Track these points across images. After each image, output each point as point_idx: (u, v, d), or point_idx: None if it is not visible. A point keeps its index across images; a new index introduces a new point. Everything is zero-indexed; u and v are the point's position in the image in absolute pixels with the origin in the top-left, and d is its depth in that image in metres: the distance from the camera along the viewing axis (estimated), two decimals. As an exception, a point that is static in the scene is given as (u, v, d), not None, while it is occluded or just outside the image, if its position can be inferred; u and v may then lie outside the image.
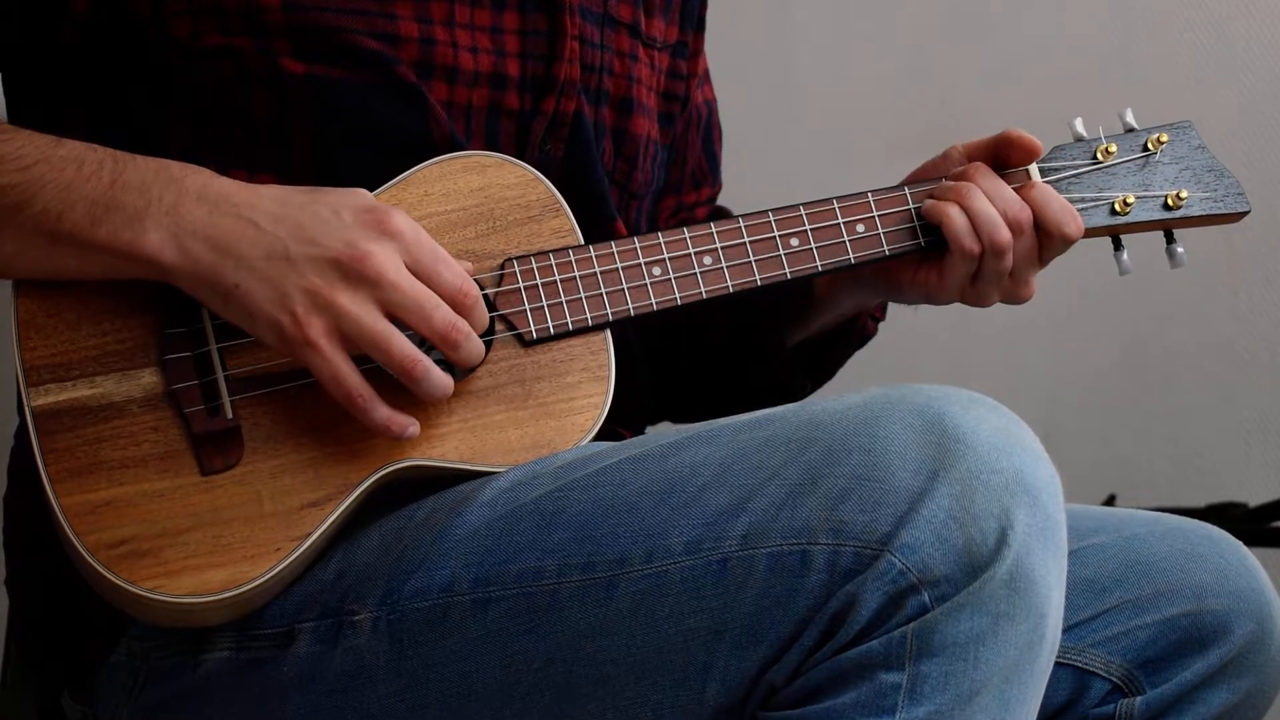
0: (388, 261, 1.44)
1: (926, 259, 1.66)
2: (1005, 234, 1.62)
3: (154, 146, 1.52)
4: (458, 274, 1.47)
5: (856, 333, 1.84)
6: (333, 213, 1.45)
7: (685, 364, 1.85)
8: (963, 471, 1.34)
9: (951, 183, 1.64)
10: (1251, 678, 1.62)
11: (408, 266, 1.46)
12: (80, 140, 1.49)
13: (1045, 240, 1.64)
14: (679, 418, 1.92)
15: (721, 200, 1.94)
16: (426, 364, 1.46)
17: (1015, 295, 1.67)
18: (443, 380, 1.47)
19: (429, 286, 1.46)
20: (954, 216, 1.62)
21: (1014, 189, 1.64)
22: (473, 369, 1.53)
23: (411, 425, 1.48)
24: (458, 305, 1.47)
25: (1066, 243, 1.65)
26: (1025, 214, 1.63)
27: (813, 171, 2.70)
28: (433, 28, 1.59)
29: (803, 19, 2.84)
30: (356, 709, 1.48)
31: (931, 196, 1.65)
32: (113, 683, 1.54)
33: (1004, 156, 1.67)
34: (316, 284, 1.44)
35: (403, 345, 1.45)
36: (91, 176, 1.46)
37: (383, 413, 1.47)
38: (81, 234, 1.45)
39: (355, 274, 1.44)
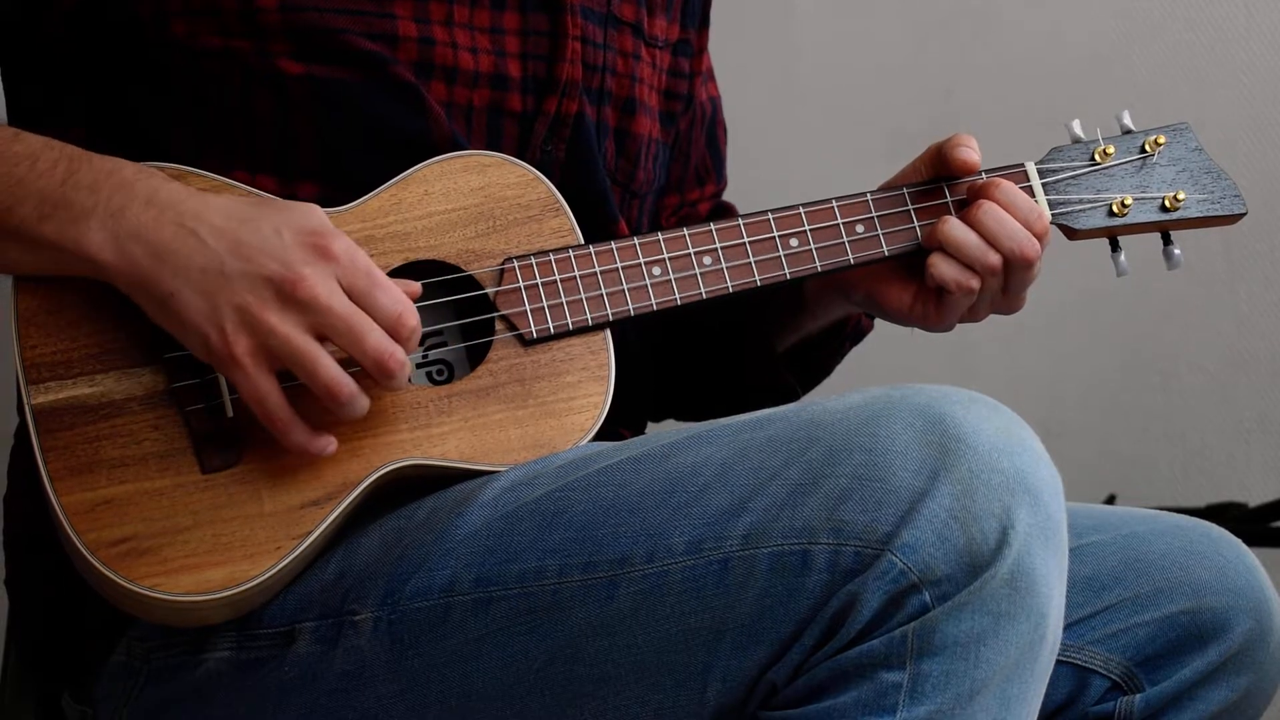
0: (320, 285, 1.43)
1: (922, 290, 1.66)
2: (995, 257, 1.62)
3: (154, 145, 1.53)
4: (396, 300, 1.46)
5: (851, 329, 1.84)
6: (274, 231, 1.45)
7: (681, 363, 1.85)
8: (964, 471, 1.35)
9: (943, 225, 1.63)
10: (1250, 675, 1.62)
11: (344, 291, 1.45)
12: (78, 141, 1.49)
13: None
14: (681, 415, 1.92)
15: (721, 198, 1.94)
16: (351, 388, 1.44)
17: (1009, 309, 1.68)
18: (365, 404, 1.46)
19: (365, 312, 1.45)
20: (946, 271, 1.62)
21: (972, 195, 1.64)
22: (473, 367, 1.53)
23: (330, 445, 1.47)
24: (394, 333, 1.45)
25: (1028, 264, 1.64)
26: (1040, 221, 1.63)
27: (813, 171, 2.70)
28: (431, 27, 1.59)
29: (803, 18, 2.84)
30: (357, 709, 1.48)
31: (928, 243, 1.64)
32: (113, 683, 1.54)
33: (943, 168, 1.65)
34: (248, 301, 1.43)
35: (328, 367, 1.44)
36: (45, 173, 1.46)
37: (300, 436, 1.45)
38: (29, 229, 1.46)
39: (287, 295, 1.43)
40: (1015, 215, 1.62)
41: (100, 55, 1.56)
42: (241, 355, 1.43)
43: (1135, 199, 1.69)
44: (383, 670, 1.47)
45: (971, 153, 1.64)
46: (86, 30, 1.56)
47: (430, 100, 1.58)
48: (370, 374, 1.45)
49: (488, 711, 1.45)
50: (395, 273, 1.53)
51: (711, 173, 1.90)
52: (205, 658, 1.51)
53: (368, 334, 1.44)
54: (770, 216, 1.63)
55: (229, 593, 1.45)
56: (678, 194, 1.87)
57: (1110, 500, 2.72)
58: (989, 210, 1.62)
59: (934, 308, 1.67)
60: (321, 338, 1.44)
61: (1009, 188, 1.63)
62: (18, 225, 1.46)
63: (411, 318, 1.46)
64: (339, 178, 1.55)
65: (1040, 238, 1.63)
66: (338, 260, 1.44)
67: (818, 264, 1.63)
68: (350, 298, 1.45)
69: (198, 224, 1.45)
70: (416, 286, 1.50)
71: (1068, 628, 1.59)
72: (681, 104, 1.81)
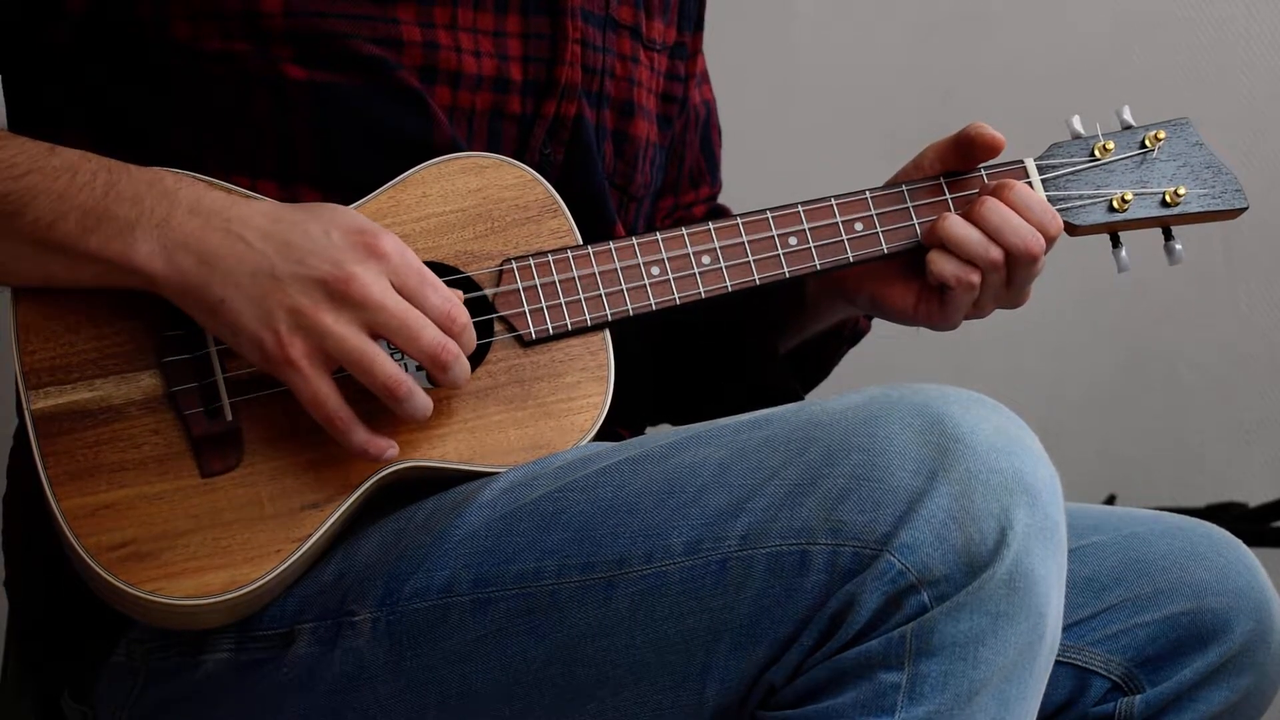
0: (373, 284, 1.44)
1: (925, 290, 1.67)
2: (997, 252, 1.62)
3: (154, 149, 1.53)
4: (446, 298, 1.47)
5: (849, 330, 1.84)
6: (323, 232, 1.45)
7: (681, 364, 1.85)
8: (962, 471, 1.34)
9: (943, 221, 1.63)
10: (1251, 676, 1.62)
11: (395, 289, 1.45)
12: (79, 144, 1.49)
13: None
14: (677, 419, 1.92)
15: (720, 199, 1.94)
16: (410, 385, 1.45)
17: (1013, 303, 1.68)
18: (425, 402, 1.47)
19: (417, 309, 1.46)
20: (946, 266, 1.62)
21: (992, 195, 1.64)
22: (472, 369, 1.53)
23: (390, 448, 1.48)
24: (445, 330, 1.46)
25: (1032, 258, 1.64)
26: (1055, 222, 1.63)
27: (812, 170, 2.70)
28: (435, 32, 1.59)
29: (803, 19, 2.84)
30: (356, 710, 1.48)
31: (928, 240, 1.64)
32: (113, 684, 1.54)
33: (969, 154, 1.66)
34: (302, 303, 1.43)
35: (386, 365, 1.45)
36: (84, 186, 1.46)
37: (361, 436, 1.46)
38: (73, 243, 1.45)
39: (340, 295, 1.44)
40: (1030, 219, 1.62)
41: (101, 56, 1.56)
42: (298, 358, 1.43)
43: (1136, 194, 1.69)
44: (381, 671, 1.47)
45: (994, 130, 1.64)
46: (88, 32, 1.56)
47: (433, 105, 1.58)
48: (427, 369, 1.47)
49: (486, 712, 1.45)
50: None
51: (706, 176, 1.90)
52: (205, 659, 1.51)
53: (423, 330, 1.45)
54: (769, 215, 1.63)
55: (230, 596, 1.45)
56: (672, 197, 1.87)
57: (1110, 500, 2.72)
58: (992, 206, 1.62)
59: (938, 306, 1.67)
60: (375, 336, 1.45)
61: (1023, 189, 1.63)
62: (61, 240, 1.45)
63: (462, 314, 1.47)
64: (338, 181, 1.55)
65: (1053, 240, 1.63)
66: (388, 258, 1.45)
67: (816, 262, 1.62)
68: (401, 295, 1.45)
69: (244, 229, 1.45)
70: (459, 295, 1.50)
71: (1068, 628, 1.59)
72: (677, 107, 1.81)
